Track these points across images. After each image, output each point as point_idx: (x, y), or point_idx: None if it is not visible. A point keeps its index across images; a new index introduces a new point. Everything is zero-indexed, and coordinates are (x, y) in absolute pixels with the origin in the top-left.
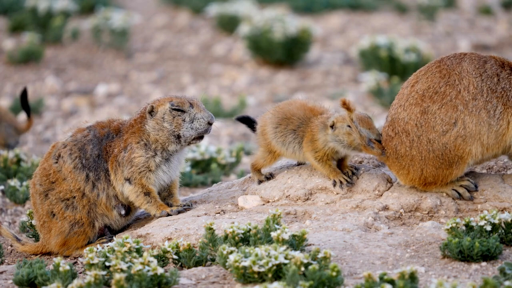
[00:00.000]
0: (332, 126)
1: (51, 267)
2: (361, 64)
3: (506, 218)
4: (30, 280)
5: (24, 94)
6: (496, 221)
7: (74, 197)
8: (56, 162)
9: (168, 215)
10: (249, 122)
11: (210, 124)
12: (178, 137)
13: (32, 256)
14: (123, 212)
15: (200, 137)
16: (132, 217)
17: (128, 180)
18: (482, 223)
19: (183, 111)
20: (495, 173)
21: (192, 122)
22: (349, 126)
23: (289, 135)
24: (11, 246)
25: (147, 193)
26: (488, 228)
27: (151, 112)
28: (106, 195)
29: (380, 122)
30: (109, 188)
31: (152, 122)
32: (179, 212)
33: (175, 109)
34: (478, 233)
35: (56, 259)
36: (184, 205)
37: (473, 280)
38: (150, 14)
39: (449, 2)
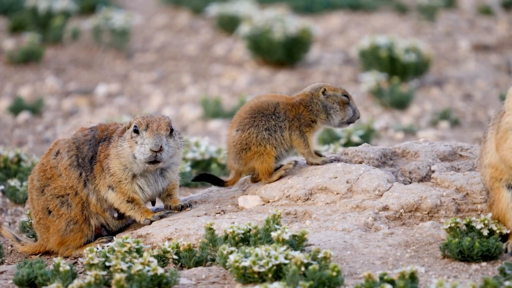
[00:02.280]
0: (324, 93)
1: (51, 267)
2: (361, 64)
3: None
4: (30, 280)
5: None
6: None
7: (68, 194)
8: (55, 158)
9: (152, 221)
10: (210, 179)
11: (154, 151)
12: (135, 158)
13: (32, 256)
14: (115, 215)
15: (151, 162)
16: (128, 220)
17: (110, 187)
18: (479, 226)
19: (138, 133)
20: None
21: (141, 146)
22: (345, 95)
23: (271, 119)
24: (11, 246)
25: (130, 201)
26: (489, 229)
27: (128, 128)
28: (96, 197)
29: (380, 123)
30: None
31: (121, 138)
32: (161, 217)
33: (135, 130)
34: (477, 233)
35: (56, 259)
36: (182, 205)
37: (473, 280)
38: (150, 14)
39: (449, 2)
